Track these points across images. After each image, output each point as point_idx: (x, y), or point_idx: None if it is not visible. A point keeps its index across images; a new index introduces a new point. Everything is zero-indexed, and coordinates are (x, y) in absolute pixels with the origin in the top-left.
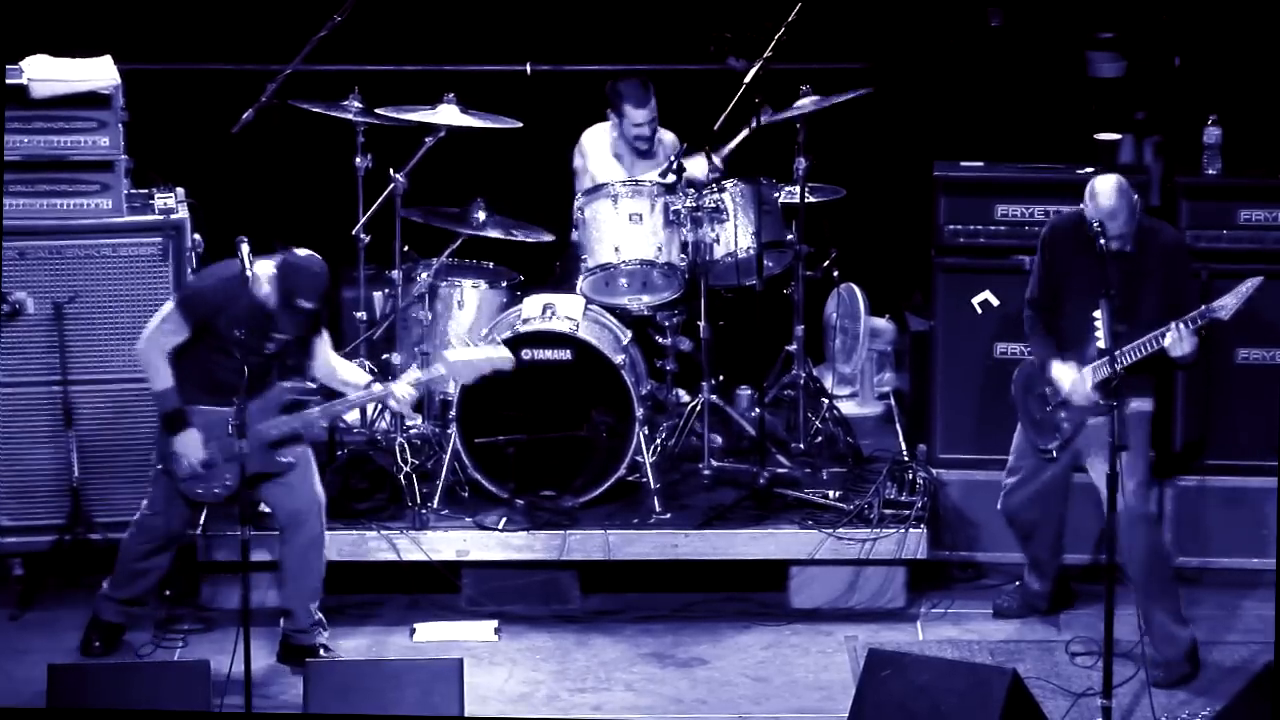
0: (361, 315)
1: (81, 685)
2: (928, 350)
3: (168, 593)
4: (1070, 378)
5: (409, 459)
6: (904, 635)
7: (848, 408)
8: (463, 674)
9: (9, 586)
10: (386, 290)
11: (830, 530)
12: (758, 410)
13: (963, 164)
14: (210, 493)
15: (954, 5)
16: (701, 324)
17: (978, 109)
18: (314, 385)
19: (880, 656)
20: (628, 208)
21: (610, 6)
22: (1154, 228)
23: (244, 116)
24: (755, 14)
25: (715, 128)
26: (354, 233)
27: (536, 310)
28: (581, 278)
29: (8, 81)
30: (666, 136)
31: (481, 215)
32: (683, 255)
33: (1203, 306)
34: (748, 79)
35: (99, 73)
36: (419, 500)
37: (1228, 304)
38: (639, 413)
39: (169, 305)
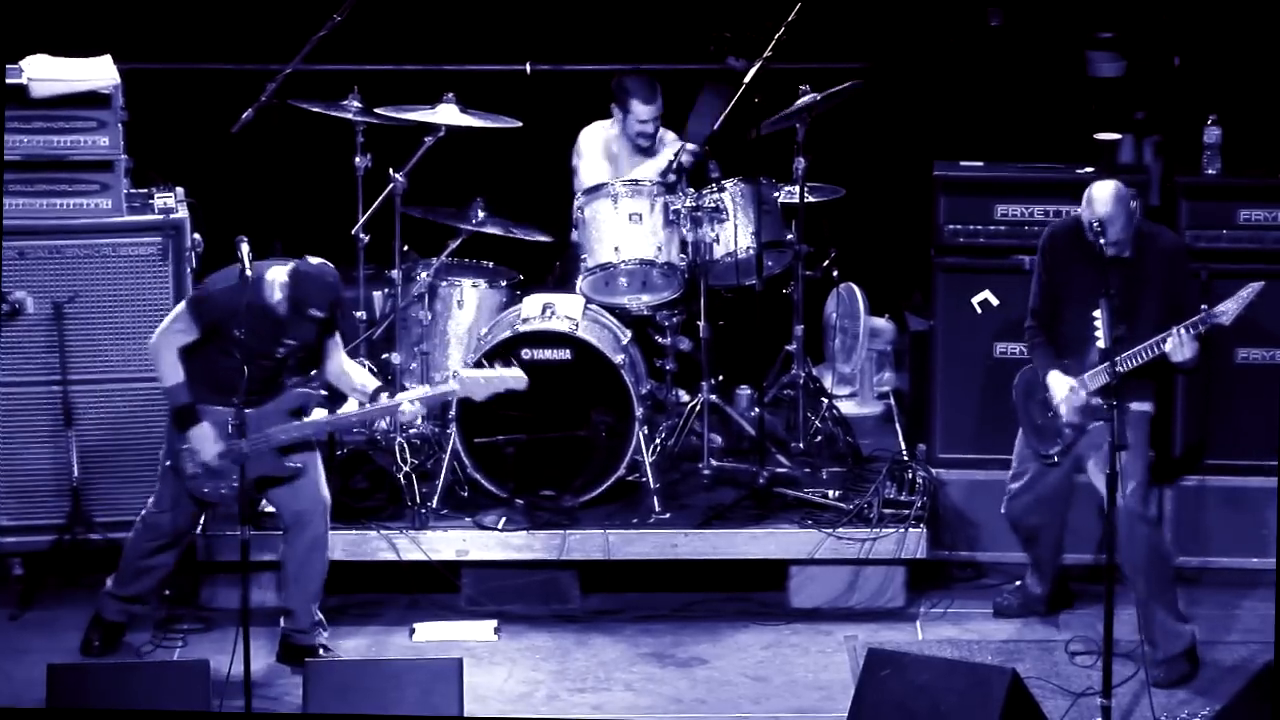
0: (361, 315)
1: (81, 685)
2: (927, 350)
3: (167, 592)
4: (1062, 392)
5: (409, 459)
6: (904, 635)
7: (847, 407)
8: (462, 674)
9: (9, 586)
10: (386, 290)
11: (830, 530)
12: (757, 410)
13: (962, 164)
14: (217, 491)
15: (953, 5)
16: (701, 324)
17: (977, 109)
18: (325, 393)
19: (880, 656)
20: (627, 207)
21: (610, 6)
22: (1153, 233)
23: (244, 116)
24: (755, 14)
25: (715, 127)
26: (353, 232)
27: (536, 310)
28: (581, 277)
29: (8, 81)
30: (667, 135)
31: (481, 215)
32: (682, 255)
33: (1204, 312)
34: (748, 79)
35: (99, 72)
36: (419, 500)
37: (1229, 309)
38: (639, 412)
39: (180, 306)
